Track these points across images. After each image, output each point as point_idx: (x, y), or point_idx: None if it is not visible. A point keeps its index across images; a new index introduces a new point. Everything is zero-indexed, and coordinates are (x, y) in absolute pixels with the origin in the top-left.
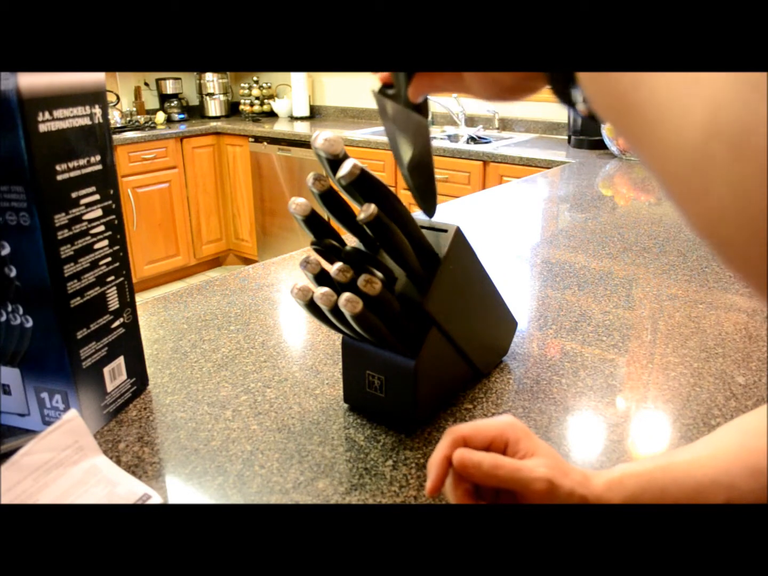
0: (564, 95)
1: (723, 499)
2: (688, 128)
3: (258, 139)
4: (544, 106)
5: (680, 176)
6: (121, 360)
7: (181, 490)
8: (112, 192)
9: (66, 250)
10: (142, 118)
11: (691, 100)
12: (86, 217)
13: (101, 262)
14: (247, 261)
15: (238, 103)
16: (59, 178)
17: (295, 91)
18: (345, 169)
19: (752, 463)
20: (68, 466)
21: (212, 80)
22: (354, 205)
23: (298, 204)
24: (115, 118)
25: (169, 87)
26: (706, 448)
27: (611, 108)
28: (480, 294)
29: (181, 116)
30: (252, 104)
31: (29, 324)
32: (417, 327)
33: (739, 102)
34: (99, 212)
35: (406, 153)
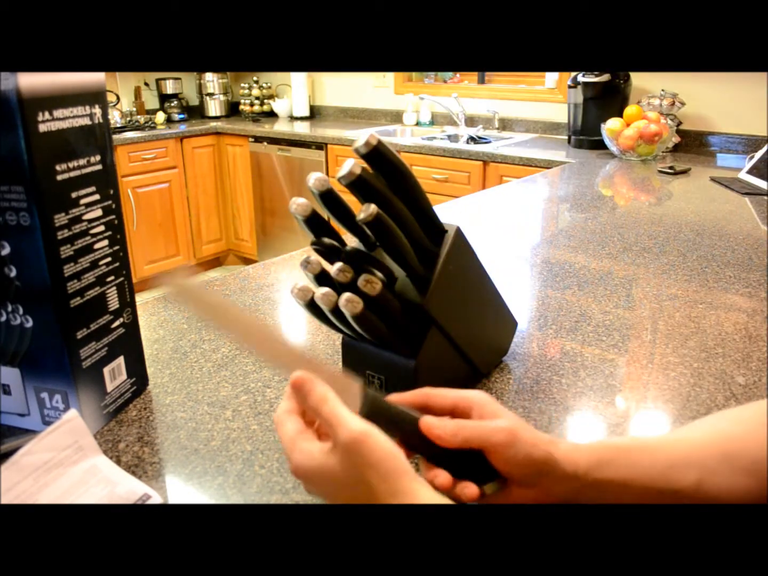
0: None
1: (694, 478)
2: None
3: (258, 139)
4: (544, 106)
5: None
6: (121, 360)
7: (181, 490)
8: (112, 192)
9: (66, 250)
10: (142, 118)
11: None
12: (86, 217)
13: (101, 262)
14: (247, 261)
15: (238, 103)
16: (59, 178)
17: (295, 91)
18: (345, 169)
19: (725, 448)
20: (68, 466)
21: (212, 80)
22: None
23: (299, 204)
24: (115, 118)
25: (169, 87)
26: (682, 430)
27: None
28: (480, 294)
29: (181, 116)
30: (252, 104)
31: (29, 324)
32: (417, 327)
33: None
34: (99, 212)
35: None
